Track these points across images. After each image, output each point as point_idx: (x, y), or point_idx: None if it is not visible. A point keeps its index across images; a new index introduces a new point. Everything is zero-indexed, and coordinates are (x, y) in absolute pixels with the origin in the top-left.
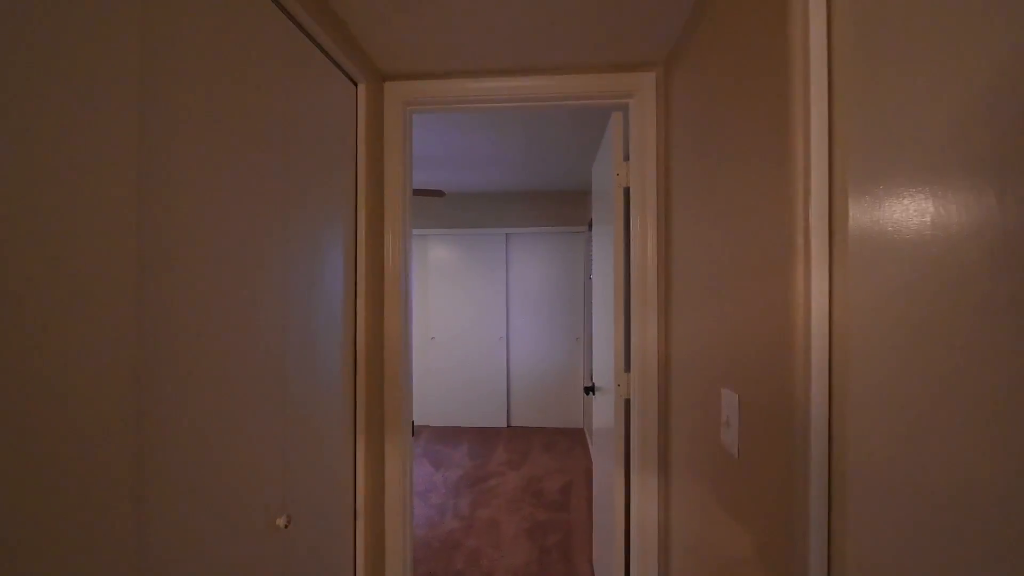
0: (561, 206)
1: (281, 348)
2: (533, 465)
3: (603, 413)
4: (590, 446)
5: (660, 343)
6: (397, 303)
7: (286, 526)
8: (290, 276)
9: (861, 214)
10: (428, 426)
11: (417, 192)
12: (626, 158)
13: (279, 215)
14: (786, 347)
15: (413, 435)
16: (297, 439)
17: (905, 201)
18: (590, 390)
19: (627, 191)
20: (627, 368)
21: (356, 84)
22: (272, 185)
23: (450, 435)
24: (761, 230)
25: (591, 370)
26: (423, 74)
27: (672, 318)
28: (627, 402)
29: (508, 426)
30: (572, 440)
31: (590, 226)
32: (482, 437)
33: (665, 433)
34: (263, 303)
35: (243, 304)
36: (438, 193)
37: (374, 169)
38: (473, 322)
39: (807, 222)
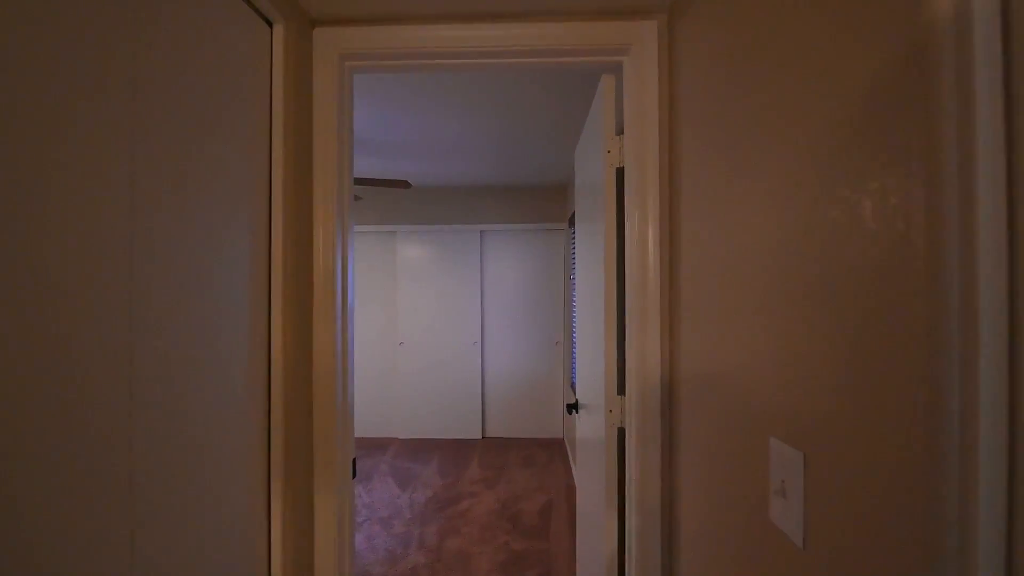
0: (539, 201)
1: (126, 373)
2: (510, 483)
3: (588, 434)
4: (570, 459)
5: (664, 363)
6: (330, 311)
7: None
8: (144, 273)
9: None
10: (396, 439)
11: (380, 183)
12: (619, 131)
13: (125, 189)
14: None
15: (355, 476)
16: (160, 505)
17: None
18: (573, 408)
19: (620, 172)
20: (621, 390)
21: (271, 24)
22: (117, 147)
23: (420, 449)
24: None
25: (572, 380)
26: (364, 18)
27: (682, 332)
28: (620, 431)
29: (483, 437)
30: (551, 452)
31: (571, 222)
32: (455, 450)
33: (671, 477)
34: (86, 306)
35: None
36: (403, 184)
37: (300, 142)
38: (445, 326)
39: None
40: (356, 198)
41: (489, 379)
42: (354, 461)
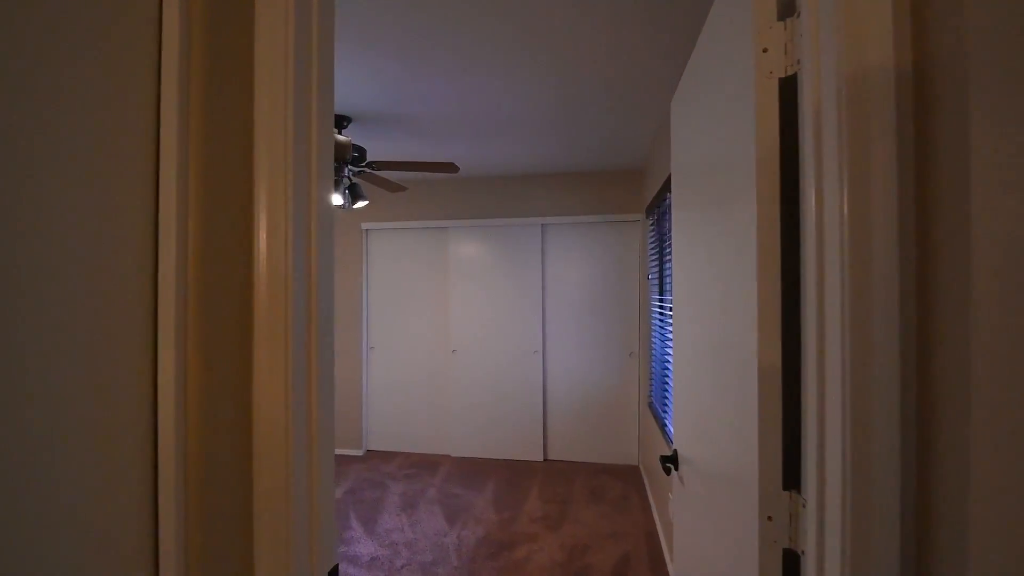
0: (609, 188)
1: None
2: (576, 523)
3: (700, 524)
4: (649, 493)
5: (908, 447)
6: (283, 340)
7: None
8: None
9: None
10: (448, 457)
11: (421, 166)
12: (785, 14)
13: None
14: None
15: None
16: None
17: None
18: (670, 462)
19: (791, 83)
20: (793, 484)
21: None
22: None
23: (473, 471)
24: None
25: (650, 399)
26: None
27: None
28: (789, 554)
29: (545, 460)
30: (625, 483)
31: (649, 212)
32: (512, 475)
33: None
34: None
35: None
36: (450, 167)
37: (220, 67)
38: (502, 332)
39: None
40: (399, 188)
41: (552, 393)
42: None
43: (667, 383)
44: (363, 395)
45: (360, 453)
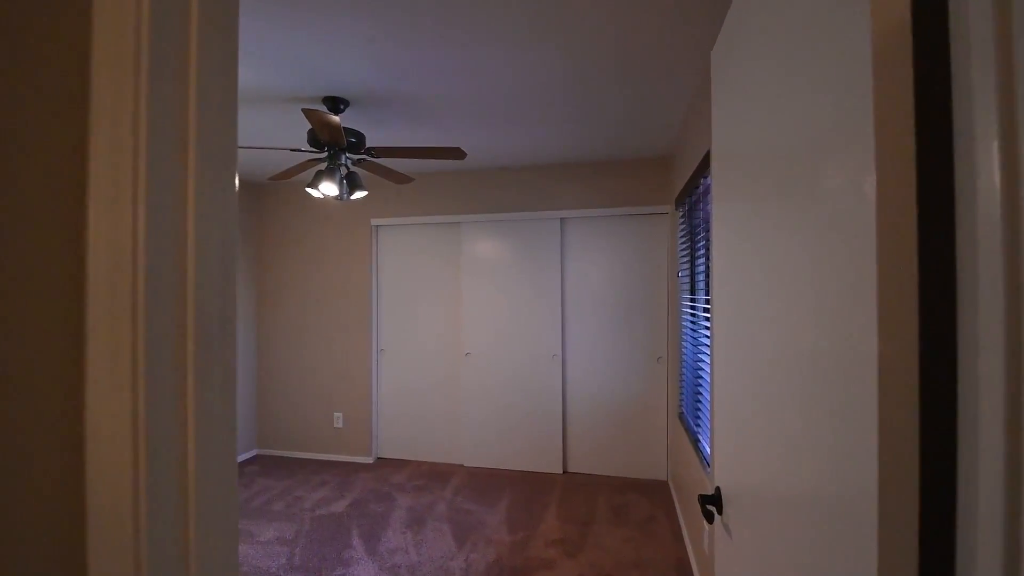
0: (635, 179)
1: None
2: (598, 548)
3: None
4: (679, 514)
5: None
6: (131, 353)
7: None
8: None
9: None
10: (461, 467)
11: (424, 151)
12: None
13: None
14: None
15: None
16: None
17: None
18: (712, 503)
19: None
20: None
21: None
22: None
23: (487, 483)
24: None
25: (681, 410)
26: None
27: None
28: None
29: (564, 472)
30: (652, 501)
31: (679, 203)
32: (529, 488)
33: None
34: None
35: None
36: (456, 152)
37: None
38: (518, 334)
39: None
40: (406, 179)
41: (572, 401)
42: None
43: (701, 392)
44: (373, 400)
45: (370, 460)
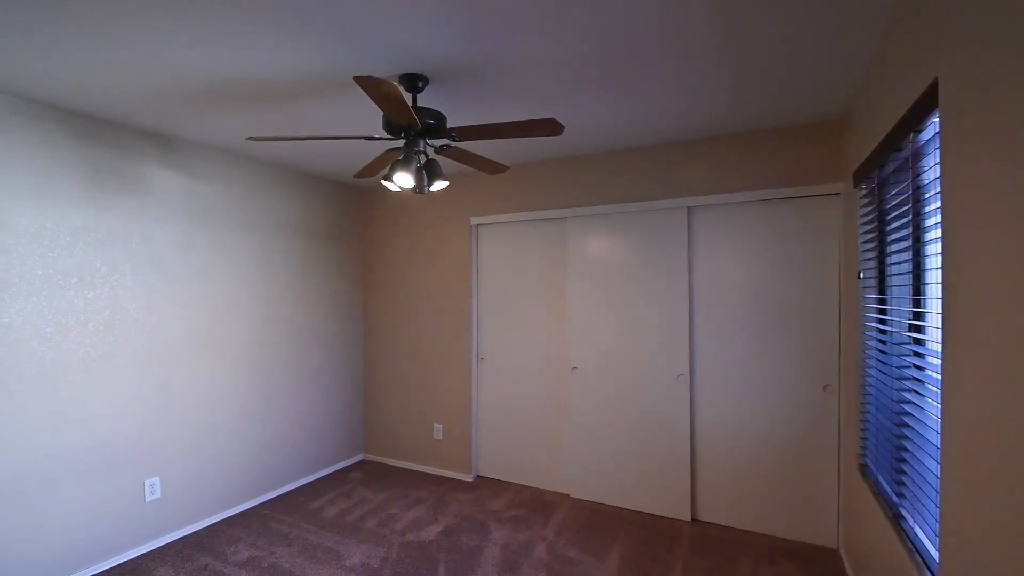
0: (789, 151)
1: None
2: None
3: None
4: None
5: None
6: None
7: None
8: None
9: None
10: (567, 497)
11: (516, 129)
12: None
13: None
14: None
15: None
16: None
17: None
18: None
19: None
20: None
21: None
22: None
23: (596, 523)
24: None
25: (886, 496)
26: None
27: None
28: None
29: (692, 520)
30: (813, 575)
31: (858, 179)
32: (647, 535)
33: None
34: None
35: None
36: (551, 126)
37: None
38: (635, 348)
39: None
40: (500, 168)
41: (703, 432)
42: None
43: (905, 446)
44: (472, 412)
45: (470, 479)
